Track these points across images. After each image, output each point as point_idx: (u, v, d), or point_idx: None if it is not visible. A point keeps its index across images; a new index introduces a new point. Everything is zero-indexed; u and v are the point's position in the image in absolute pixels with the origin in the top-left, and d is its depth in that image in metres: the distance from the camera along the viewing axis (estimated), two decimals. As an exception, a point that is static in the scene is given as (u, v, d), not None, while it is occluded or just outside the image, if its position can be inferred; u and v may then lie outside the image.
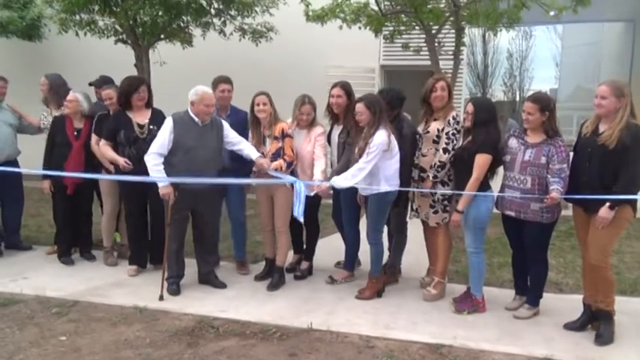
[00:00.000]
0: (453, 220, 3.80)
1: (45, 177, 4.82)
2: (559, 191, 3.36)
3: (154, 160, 3.97)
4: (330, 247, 5.10)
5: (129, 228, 4.67)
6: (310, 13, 6.69)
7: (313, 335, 3.47)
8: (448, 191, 3.96)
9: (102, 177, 4.61)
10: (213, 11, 7.09)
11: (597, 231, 3.33)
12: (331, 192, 4.24)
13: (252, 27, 7.43)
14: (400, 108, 4.22)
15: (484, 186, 3.71)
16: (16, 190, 5.21)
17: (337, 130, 4.44)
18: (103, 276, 4.53)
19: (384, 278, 4.26)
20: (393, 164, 3.88)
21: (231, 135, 4.22)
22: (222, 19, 7.20)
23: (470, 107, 3.73)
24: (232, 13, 7.17)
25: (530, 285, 3.83)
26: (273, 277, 4.36)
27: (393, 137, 3.82)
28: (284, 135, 4.20)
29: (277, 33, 7.53)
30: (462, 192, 3.68)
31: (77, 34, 7.08)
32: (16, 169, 4.85)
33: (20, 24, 8.16)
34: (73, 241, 4.99)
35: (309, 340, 3.40)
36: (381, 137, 3.77)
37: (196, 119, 4.04)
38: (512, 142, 3.69)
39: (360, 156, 3.81)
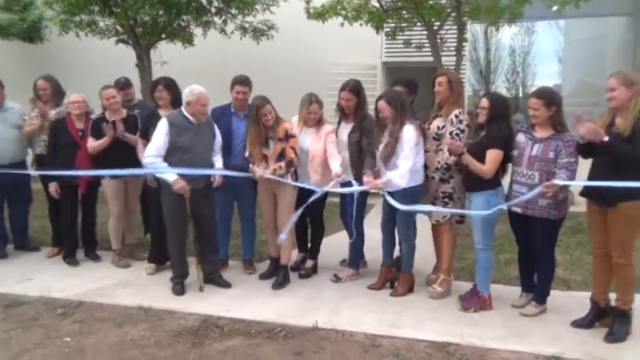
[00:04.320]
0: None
1: (50, 180, 4.81)
2: (562, 179, 3.32)
3: (153, 160, 3.97)
4: (334, 246, 5.07)
5: (153, 227, 4.69)
6: (311, 11, 6.68)
7: (318, 334, 3.45)
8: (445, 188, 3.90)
9: (114, 172, 4.49)
10: (213, 10, 7.09)
11: (616, 228, 3.28)
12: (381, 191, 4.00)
13: (252, 25, 7.42)
14: (415, 94, 4.28)
15: (494, 182, 3.69)
16: (24, 191, 5.20)
17: (346, 127, 4.39)
18: (108, 276, 4.52)
19: (394, 272, 4.25)
20: (420, 159, 3.90)
21: (218, 136, 4.25)
22: (223, 17, 7.19)
23: (485, 102, 3.69)
24: (233, 11, 7.16)
25: (537, 282, 3.80)
26: (278, 275, 4.34)
27: (419, 132, 3.85)
28: (287, 135, 4.18)
29: (278, 31, 7.51)
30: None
31: (78, 35, 7.08)
32: (27, 172, 4.74)
33: (21, 26, 8.18)
34: (76, 241, 4.99)
35: (314, 339, 3.38)
36: (411, 132, 3.79)
37: (191, 119, 4.03)
38: (520, 138, 3.66)
39: (389, 153, 3.81)
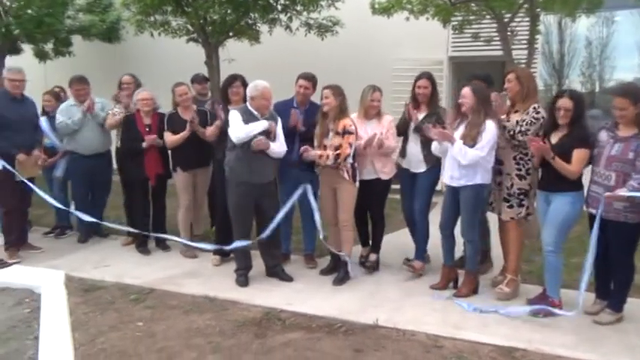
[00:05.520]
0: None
1: (124, 173, 5.20)
2: (632, 187, 3.12)
3: (245, 134, 4.04)
4: (395, 244, 5.03)
5: (217, 220, 4.85)
6: (376, 6, 6.61)
7: (379, 332, 3.43)
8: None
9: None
10: (279, 7, 7.18)
11: None
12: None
13: (317, 22, 7.45)
14: (492, 89, 4.23)
15: (579, 183, 3.54)
16: (106, 183, 5.55)
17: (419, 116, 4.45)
18: (177, 265, 4.73)
19: (457, 272, 4.19)
20: (492, 159, 3.83)
21: (279, 130, 4.29)
22: (289, 14, 7.27)
23: (569, 103, 3.48)
24: (298, 8, 7.22)
25: (613, 289, 3.58)
26: (339, 271, 4.35)
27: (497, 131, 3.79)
28: (345, 131, 4.17)
29: (343, 27, 7.50)
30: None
31: (152, 35, 7.41)
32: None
33: (101, 27, 8.67)
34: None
35: (375, 337, 3.37)
36: (493, 127, 3.72)
37: (256, 113, 4.14)
38: (602, 136, 3.46)
39: (468, 145, 3.75)
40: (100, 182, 5.47)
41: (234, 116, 4.13)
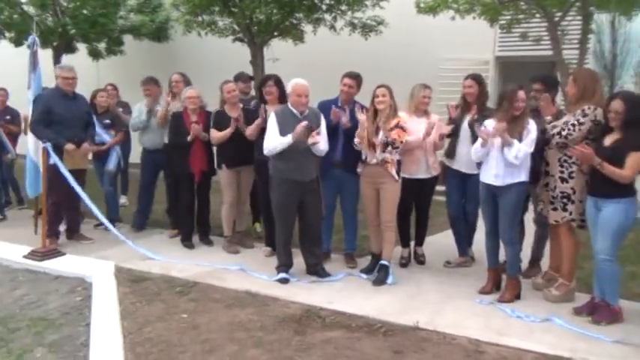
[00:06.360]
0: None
1: (168, 170, 5.43)
2: None
3: (275, 141, 4.17)
4: (437, 246, 4.98)
5: (265, 214, 4.94)
6: (422, 5, 6.56)
7: (419, 334, 3.41)
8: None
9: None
10: (324, 7, 7.23)
11: None
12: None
13: (362, 21, 7.45)
14: (555, 90, 4.22)
15: (630, 189, 3.41)
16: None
17: (468, 117, 4.48)
18: (219, 260, 4.83)
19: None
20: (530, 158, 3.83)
21: (323, 128, 4.31)
22: (333, 14, 7.30)
23: (619, 105, 3.37)
24: (343, 8, 7.24)
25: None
26: (379, 272, 4.35)
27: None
28: (398, 126, 4.19)
29: (387, 26, 7.46)
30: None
31: (199, 34, 7.60)
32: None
33: (151, 27, 8.96)
34: (192, 226, 5.39)
35: (415, 339, 3.34)
36: (535, 126, 3.74)
37: (294, 111, 4.21)
38: None
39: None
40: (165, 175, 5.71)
41: (271, 123, 4.24)
